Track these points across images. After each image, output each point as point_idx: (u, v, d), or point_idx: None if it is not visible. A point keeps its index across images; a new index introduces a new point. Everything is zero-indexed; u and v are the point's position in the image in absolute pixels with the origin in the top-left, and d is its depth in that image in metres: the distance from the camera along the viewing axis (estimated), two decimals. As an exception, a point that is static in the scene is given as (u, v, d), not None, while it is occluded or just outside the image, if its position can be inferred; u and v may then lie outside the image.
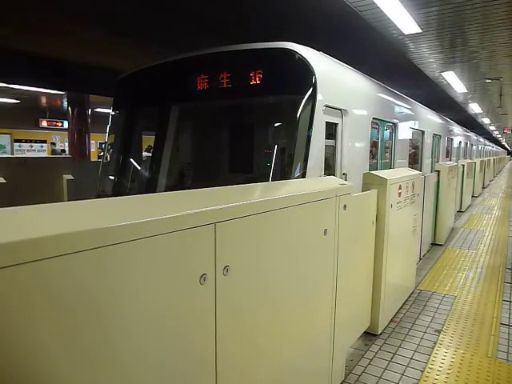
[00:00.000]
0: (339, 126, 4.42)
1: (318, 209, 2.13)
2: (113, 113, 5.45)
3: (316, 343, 2.28)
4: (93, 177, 5.95)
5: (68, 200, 6.11)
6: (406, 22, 5.90)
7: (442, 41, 7.06)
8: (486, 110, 17.72)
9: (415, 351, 3.10)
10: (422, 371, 2.82)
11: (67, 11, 6.11)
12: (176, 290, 1.25)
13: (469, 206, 10.97)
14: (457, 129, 14.55)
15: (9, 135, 20.66)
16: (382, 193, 3.19)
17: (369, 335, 3.33)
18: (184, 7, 5.85)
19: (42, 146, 21.84)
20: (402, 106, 7.01)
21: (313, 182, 2.53)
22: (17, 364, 0.87)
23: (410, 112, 7.56)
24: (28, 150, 21.32)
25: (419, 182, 4.31)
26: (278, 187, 2.20)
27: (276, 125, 4.94)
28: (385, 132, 6.18)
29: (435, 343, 3.22)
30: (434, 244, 6.49)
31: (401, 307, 3.94)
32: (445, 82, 10.81)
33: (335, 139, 4.40)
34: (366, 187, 3.21)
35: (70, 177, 6.39)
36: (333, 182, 2.48)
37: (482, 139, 27.35)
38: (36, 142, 21.61)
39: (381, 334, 3.38)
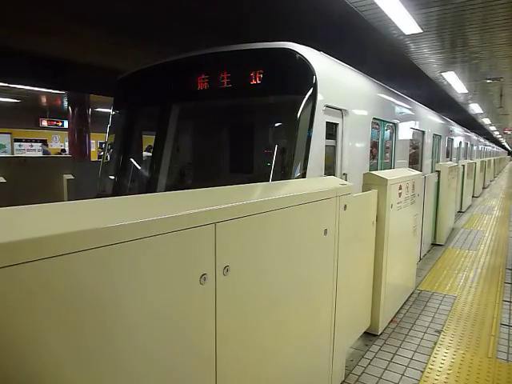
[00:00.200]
0: (339, 126, 4.42)
1: (318, 209, 2.13)
2: (113, 112, 5.45)
3: (316, 343, 2.28)
4: (93, 176, 5.95)
5: (68, 200, 6.11)
6: (406, 22, 5.90)
7: (442, 41, 7.05)
8: (486, 110, 17.71)
9: (415, 351, 3.10)
10: (422, 371, 2.81)
11: (67, 11, 6.11)
12: (176, 289, 1.25)
13: (469, 207, 10.97)
14: (457, 129, 14.54)
15: (9, 135, 20.70)
16: (382, 193, 3.19)
17: (369, 335, 3.33)
18: (184, 7, 5.85)
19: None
20: (402, 106, 7.01)
21: (313, 182, 2.53)
22: (20, 364, 0.87)
23: (410, 112, 7.56)
24: (28, 150, 21.34)
25: (419, 183, 4.31)
26: (278, 187, 2.20)
27: (276, 125, 4.94)
28: (385, 132, 6.18)
29: (435, 343, 3.21)
30: (434, 244, 6.49)
31: (401, 307, 3.94)
32: (445, 83, 10.80)
33: (335, 139, 4.40)
34: (366, 187, 3.21)
35: (70, 176, 6.39)
36: (333, 182, 2.48)
37: (482, 139, 27.35)
38: (36, 141, 21.64)
39: (381, 334, 3.38)
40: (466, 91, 12.10)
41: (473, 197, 12.27)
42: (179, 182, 5.52)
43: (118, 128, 5.36)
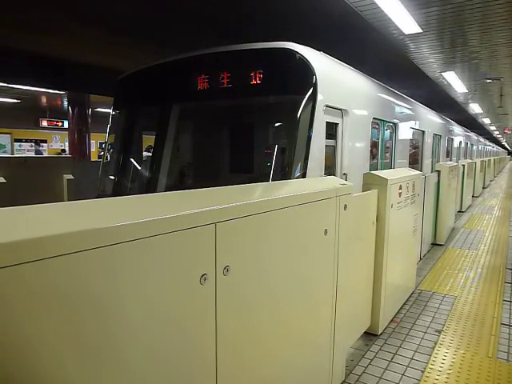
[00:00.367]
0: (339, 126, 4.42)
1: (318, 209, 2.13)
2: (113, 112, 5.45)
3: (316, 343, 2.28)
4: (93, 176, 5.96)
5: (68, 200, 6.11)
6: (406, 22, 5.90)
7: (442, 41, 7.05)
8: (486, 110, 17.71)
9: (416, 351, 3.10)
10: (423, 371, 2.82)
11: (67, 11, 6.11)
12: (176, 289, 1.25)
13: (469, 206, 10.97)
14: (457, 129, 14.54)
15: (9, 135, 20.70)
16: (382, 193, 3.19)
17: (369, 335, 3.33)
18: (184, 7, 5.85)
19: (42, 146, 21.86)
20: (402, 106, 7.01)
21: (313, 182, 2.53)
22: (22, 364, 0.87)
23: (410, 112, 7.56)
24: (28, 150, 21.35)
25: (419, 182, 4.31)
26: (279, 187, 2.20)
27: (276, 125, 4.94)
28: (385, 132, 6.18)
29: (436, 343, 3.21)
30: (434, 244, 6.49)
31: (401, 307, 3.94)
32: (445, 82, 10.80)
33: (335, 139, 4.40)
34: (366, 187, 3.21)
35: (70, 176, 6.39)
36: (333, 181, 2.48)
37: (482, 139, 27.35)
38: (36, 141, 21.63)
39: (381, 334, 3.38)
40: (466, 91, 12.10)
41: (473, 196, 12.27)
42: (179, 182, 5.52)
43: (118, 128, 5.36)
